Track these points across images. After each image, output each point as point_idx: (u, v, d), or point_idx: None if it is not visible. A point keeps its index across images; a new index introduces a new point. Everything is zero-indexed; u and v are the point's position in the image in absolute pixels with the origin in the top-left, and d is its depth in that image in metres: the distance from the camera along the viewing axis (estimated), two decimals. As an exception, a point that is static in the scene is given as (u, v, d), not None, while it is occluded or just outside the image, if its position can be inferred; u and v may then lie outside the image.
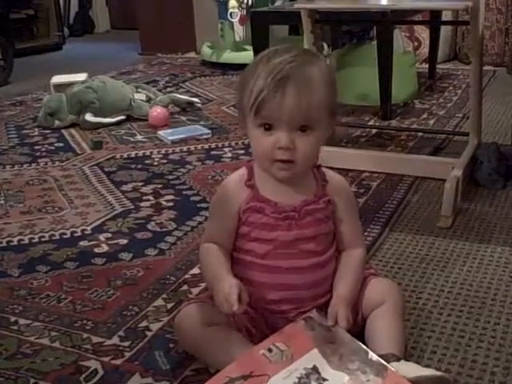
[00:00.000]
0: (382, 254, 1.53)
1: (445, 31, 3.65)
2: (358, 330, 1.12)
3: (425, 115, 2.72)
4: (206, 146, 2.41)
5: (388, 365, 0.99)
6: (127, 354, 1.18)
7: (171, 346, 1.20)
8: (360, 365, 0.99)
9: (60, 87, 2.87)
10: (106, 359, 1.17)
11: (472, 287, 1.37)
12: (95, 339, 1.24)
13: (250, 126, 1.06)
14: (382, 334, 1.09)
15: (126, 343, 1.22)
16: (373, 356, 1.01)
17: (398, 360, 1.03)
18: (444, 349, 1.17)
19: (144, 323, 1.28)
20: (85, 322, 1.29)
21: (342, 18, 2.78)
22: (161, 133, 2.56)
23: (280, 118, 1.01)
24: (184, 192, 1.96)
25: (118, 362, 1.17)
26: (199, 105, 2.95)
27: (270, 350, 1.02)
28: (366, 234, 1.62)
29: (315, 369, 0.99)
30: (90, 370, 1.14)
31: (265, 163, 1.07)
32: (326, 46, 3.73)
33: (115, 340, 1.23)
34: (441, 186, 1.90)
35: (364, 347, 1.03)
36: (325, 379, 0.97)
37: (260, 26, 2.88)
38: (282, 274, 1.11)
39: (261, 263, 1.11)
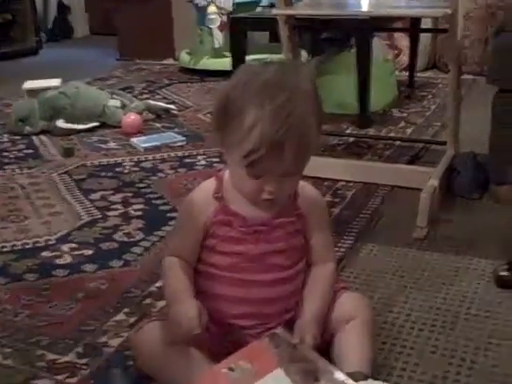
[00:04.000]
0: (355, 266, 1.49)
1: (424, 40, 3.63)
2: (325, 345, 1.07)
3: (403, 124, 2.68)
4: (180, 154, 2.35)
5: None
6: (83, 373, 1.13)
7: (130, 363, 1.14)
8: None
9: (33, 92, 2.80)
10: (60, 377, 1.12)
11: (445, 301, 1.33)
12: (50, 356, 1.18)
13: (233, 160, 1.00)
14: (350, 351, 1.04)
15: (83, 360, 1.16)
16: (339, 376, 0.96)
17: (366, 379, 0.99)
18: (414, 365, 1.13)
19: (103, 339, 1.23)
20: (41, 337, 1.24)
21: (320, 25, 2.74)
22: (134, 140, 2.50)
23: (272, 173, 0.97)
24: (154, 201, 1.90)
25: (73, 380, 1.11)
26: (175, 112, 2.90)
27: (231, 369, 0.97)
28: (339, 244, 1.58)
29: None
30: (43, 389, 1.09)
31: (247, 197, 1.03)
32: (305, 53, 3.71)
33: (71, 357, 1.17)
34: (417, 195, 1.85)
35: (330, 366, 0.98)
36: None
37: (239, 32, 2.84)
38: (246, 288, 1.06)
39: (224, 276, 1.06)
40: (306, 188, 1.11)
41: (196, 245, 1.07)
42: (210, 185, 1.08)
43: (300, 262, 1.10)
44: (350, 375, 0.97)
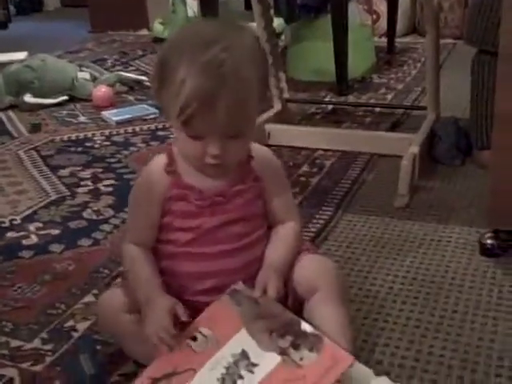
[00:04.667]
0: (335, 238, 1.43)
1: (404, 4, 3.54)
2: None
3: (383, 90, 2.61)
4: (153, 127, 2.27)
5: (324, 335, 0.89)
6: (48, 359, 1.06)
7: (98, 347, 1.08)
8: (292, 340, 0.89)
9: (-3, 67, 2.69)
10: (23, 365, 1.05)
11: (428, 271, 1.28)
12: (14, 343, 1.11)
13: (174, 124, 0.94)
14: (325, 327, 0.95)
15: (49, 346, 1.10)
16: (306, 327, 0.90)
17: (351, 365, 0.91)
18: (398, 340, 1.07)
19: (70, 323, 1.16)
20: (4, 323, 1.17)
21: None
22: (105, 113, 2.41)
23: (210, 131, 0.90)
24: (125, 176, 1.83)
25: (38, 368, 1.04)
26: (148, 83, 2.80)
27: (194, 339, 0.92)
28: (317, 216, 1.52)
29: (244, 354, 0.89)
30: (5, 379, 1.02)
31: (192, 163, 0.97)
32: (281, 20, 3.62)
33: (36, 343, 1.11)
34: (398, 163, 1.79)
35: (296, 317, 0.92)
36: (255, 364, 0.88)
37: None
38: (209, 261, 1.00)
39: (184, 252, 1.00)
40: (259, 150, 1.05)
41: (155, 225, 1.01)
42: (160, 160, 1.01)
43: (260, 228, 1.04)
44: None
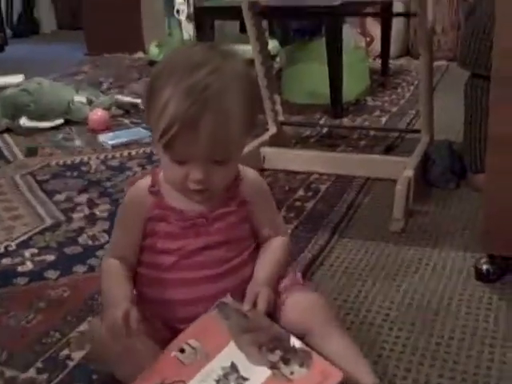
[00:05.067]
0: (330, 263, 1.43)
1: (397, 26, 3.57)
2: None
3: (377, 112, 2.63)
4: (148, 150, 2.27)
5: (312, 351, 0.89)
6: (43, 389, 1.05)
7: (94, 377, 1.07)
8: (282, 355, 0.89)
9: (-6, 90, 2.70)
10: (18, 397, 1.04)
11: (424, 297, 1.28)
12: (9, 373, 1.10)
13: (158, 147, 0.94)
14: (342, 359, 0.92)
15: (44, 376, 1.09)
16: (295, 342, 0.90)
17: None
18: (395, 368, 1.07)
19: (65, 351, 1.15)
20: (-1, 352, 1.16)
21: (288, 12, 2.67)
22: (101, 137, 2.41)
23: (192, 156, 0.90)
24: (121, 200, 1.81)
25: (32, 399, 1.04)
26: (143, 107, 2.81)
27: (182, 351, 0.92)
28: (313, 240, 1.52)
29: (233, 367, 0.89)
30: (0, 410, 1.01)
31: (176, 188, 0.97)
32: (276, 42, 3.64)
33: (31, 373, 1.10)
34: (393, 186, 1.80)
35: (285, 332, 0.92)
36: (245, 378, 0.87)
37: (205, 23, 2.75)
38: (189, 288, 1.00)
39: (165, 278, 1.00)
40: (248, 173, 1.05)
41: (136, 244, 1.02)
42: (145, 181, 1.03)
43: (246, 250, 1.04)
44: None
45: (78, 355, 1.14)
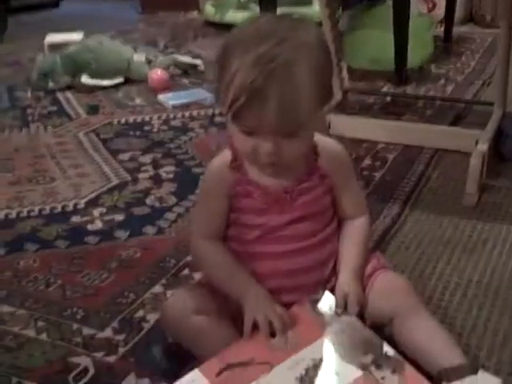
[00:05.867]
0: (403, 236, 1.40)
1: (461, -8, 3.46)
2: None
3: (442, 81, 2.55)
4: (210, 112, 2.25)
5: (405, 361, 0.87)
6: (121, 350, 1.06)
7: (170, 340, 1.07)
8: (374, 359, 0.87)
9: (55, 47, 2.71)
10: (97, 355, 1.05)
11: (503, 276, 1.24)
12: (86, 331, 1.11)
13: (227, 118, 0.91)
14: (433, 344, 0.92)
15: (121, 336, 1.10)
16: (388, 350, 0.89)
17: (476, 371, 0.87)
18: (476, 348, 1.04)
19: (140, 313, 1.16)
20: (75, 310, 1.17)
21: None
22: (161, 97, 2.40)
23: (262, 127, 0.87)
24: (186, 162, 1.82)
25: (111, 359, 1.04)
26: (202, 67, 2.78)
27: (272, 335, 0.91)
28: (384, 212, 1.49)
29: (324, 360, 0.88)
30: (80, 368, 1.02)
31: (248, 159, 0.95)
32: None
33: (108, 332, 1.11)
34: (463, 159, 1.75)
35: (378, 338, 0.90)
36: (335, 373, 0.86)
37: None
38: (274, 261, 0.98)
39: (248, 250, 0.99)
40: (325, 144, 1.02)
41: (224, 220, 1.00)
42: (225, 155, 1.00)
43: (329, 226, 1.02)
44: (457, 369, 0.87)
45: (152, 317, 1.14)
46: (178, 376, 0.98)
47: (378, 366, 0.87)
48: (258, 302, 0.93)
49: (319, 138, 1.01)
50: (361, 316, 0.96)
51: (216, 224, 1.01)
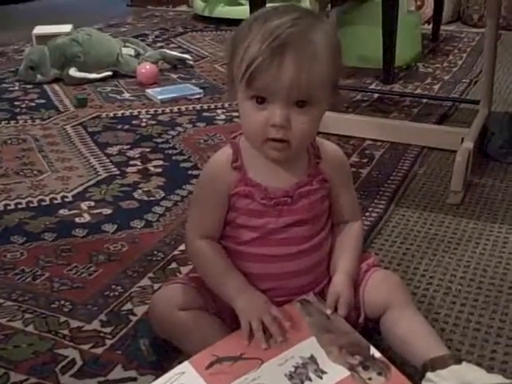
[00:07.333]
0: (388, 233, 1.41)
1: (449, -10, 3.49)
2: (360, 330, 1.00)
3: (429, 80, 2.58)
4: (198, 107, 2.26)
5: (391, 365, 0.89)
6: (109, 342, 1.07)
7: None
8: (362, 360, 0.89)
9: (43, 39, 2.68)
10: (85, 347, 1.06)
11: (486, 273, 1.26)
12: (74, 323, 1.12)
13: (240, 96, 0.92)
14: (417, 338, 0.95)
15: (108, 329, 1.10)
16: (375, 352, 0.91)
17: (459, 362, 0.90)
18: (459, 343, 1.06)
19: (128, 306, 1.16)
20: (62, 302, 1.17)
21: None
22: (149, 91, 2.40)
23: (275, 91, 0.87)
24: (174, 157, 1.82)
25: (99, 350, 1.05)
26: (191, 62, 2.79)
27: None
28: (370, 209, 1.51)
29: (313, 359, 0.89)
30: (68, 359, 1.03)
31: (256, 141, 0.94)
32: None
33: (95, 325, 1.11)
34: (449, 157, 1.78)
35: (365, 341, 0.92)
36: (323, 371, 0.88)
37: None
38: (267, 263, 0.99)
39: (244, 251, 0.99)
40: (328, 148, 1.03)
41: (222, 219, 1.00)
42: (226, 153, 0.99)
43: (324, 230, 1.03)
44: (439, 359, 0.89)
45: (140, 310, 1.15)
46: (166, 368, 0.99)
47: (365, 368, 0.88)
48: (251, 307, 0.93)
49: (321, 142, 1.02)
50: (357, 315, 1.00)
51: (212, 223, 1.00)
